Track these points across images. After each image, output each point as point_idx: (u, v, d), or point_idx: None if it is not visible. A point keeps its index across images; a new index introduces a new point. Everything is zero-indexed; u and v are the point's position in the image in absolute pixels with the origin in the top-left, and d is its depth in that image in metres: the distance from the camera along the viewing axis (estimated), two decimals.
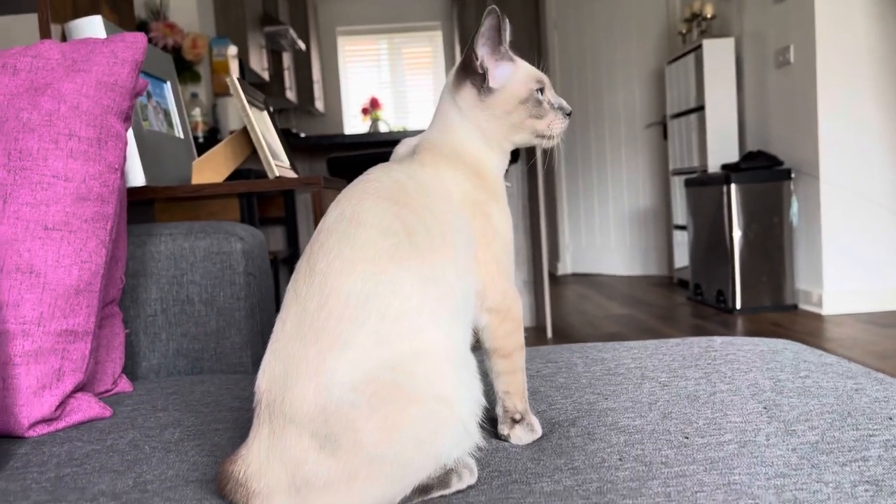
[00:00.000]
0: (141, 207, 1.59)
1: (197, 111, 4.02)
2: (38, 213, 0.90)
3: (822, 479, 0.62)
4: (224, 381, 1.07)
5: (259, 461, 0.65)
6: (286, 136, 5.09)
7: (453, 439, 0.66)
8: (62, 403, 0.91)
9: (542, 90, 0.81)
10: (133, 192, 1.36)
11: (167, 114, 1.61)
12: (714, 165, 4.84)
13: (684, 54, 5.15)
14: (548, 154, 4.41)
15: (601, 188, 6.38)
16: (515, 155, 3.81)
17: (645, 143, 6.08)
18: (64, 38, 1.44)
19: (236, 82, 1.41)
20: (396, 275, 0.66)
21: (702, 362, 1.00)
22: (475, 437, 0.69)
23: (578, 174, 6.52)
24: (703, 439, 0.74)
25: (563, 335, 3.96)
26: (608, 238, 6.36)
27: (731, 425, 0.77)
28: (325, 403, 0.62)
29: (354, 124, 7.18)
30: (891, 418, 0.75)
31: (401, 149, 0.85)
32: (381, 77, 7.37)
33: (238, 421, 0.90)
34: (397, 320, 0.65)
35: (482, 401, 0.70)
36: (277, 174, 1.42)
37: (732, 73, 4.84)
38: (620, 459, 0.71)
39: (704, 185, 4.57)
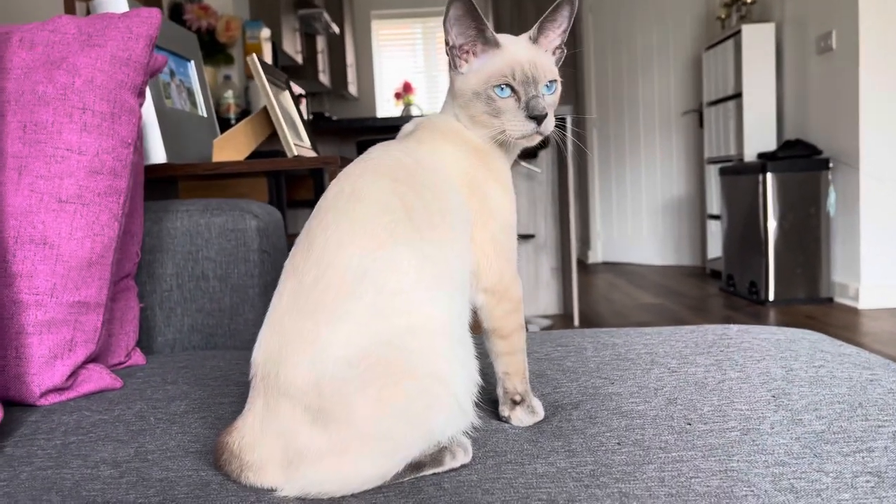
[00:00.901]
0: (163, 185, 1.61)
1: (229, 93, 4.06)
2: (52, 185, 0.91)
3: (823, 468, 0.61)
4: (235, 357, 1.08)
5: (253, 433, 0.65)
6: (319, 120, 5.11)
7: (447, 416, 0.66)
8: (74, 373, 0.93)
9: (508, 86, 0.74)
10: (154, 168, 1.37)
11: (190, 92, 1.62)
12: (750, 154, 4.74)
13: (723, 40, 5.04)
14: (562, 144, 4.35)
15: (634, 176, 6.29)
16: (545, 141, 3.78)
17: (680, 130, 5.98)
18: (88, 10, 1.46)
19: (257, 62, 1.41)
20: (394, 250, 0.65)
21: (714, 350, 0.98)
22: (470, 415, 0.69)
23: (611, 161, 6.44)
24: (705, 426, 0.72)
25: (591, 324, 3.92)
26: (640, 226, 6.28)
27: (736, 413, 0.75)
28: (318, 377, 0.62)
29: (387, 108, 7.18)
30: None
31: (407, 127, 0.84)
32: (415, 62, 7.35)
33: (243, 395, 0.90)
34: (394, 295, 0.64)
35: (478, 379, 0.70)
36: (296, 153, 1.42)
37: (772, 60, 4.72)
38: (619, 443, 0.70)
39: (740, 174, 4.47)
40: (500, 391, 0.78)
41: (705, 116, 5.44)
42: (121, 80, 0.96)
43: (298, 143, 1.48)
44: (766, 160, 4.27)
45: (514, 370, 0.76)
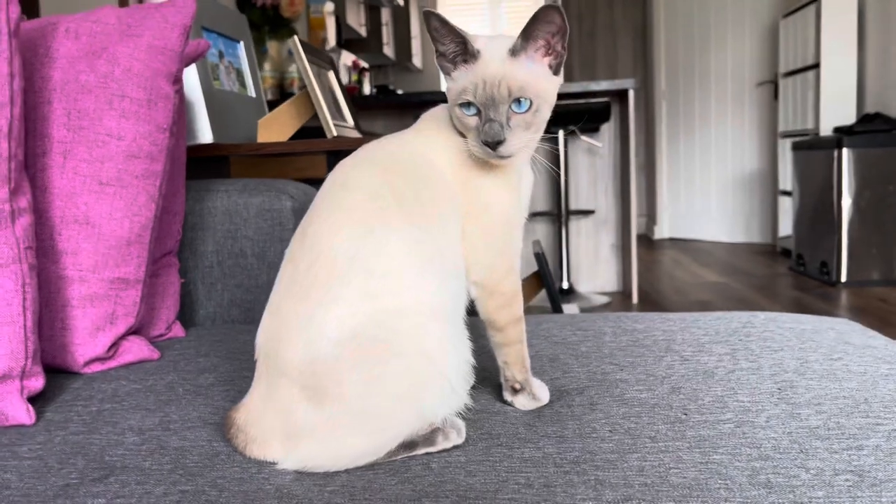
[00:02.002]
0: (215, 163, 1.68)
1: (293, 67, 4.14)
2: (93, 168, 0.97)
3: (806, 465, 0.60)
4: None
5: (257, 410, 0.70)
6: (383, 92, 5.15)
7: (438, 396, 0.68)
8: (115, 345, 1.00)
9: (470, 104, 0.73)
10: (201, 148, 1.43)
11: (239, 73, 1.68)
12: (826, 128, 4.52)
13: (802, 7, 4.79)
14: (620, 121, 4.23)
15: (704, 150, 6.10)
16: (607, 114, 3.71)
17: (753, 102, 5.75)
18: None
19: (298, 44, 1.45)
20: (383, 235, 0.68)
21: (733, 339, 0.97)
22: (462, 396, 0.71)
23: (680, 135, 6.25)
24: (701, 416, 0.73)
25: (650, 301, 3.87)
26: (709, 202, 6.10)
27: (736, 404, 0.75)
28: (313, 358, 0.65)
29: None
30: None
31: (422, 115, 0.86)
32: (481, 32, 7.29)
33: None
34: (383, 278, 0.67)
35: (471, 360, 0.72)
36: (336, 134, 1.46)
37: (854, 29, 4.47)
38: (611, 431, 0.71)
39: (813, 149, 4.28)
40: (501, 378, 0.80)
41: (781, 88, 5.22)
42: (157, 69, 1.01)
43: (339, 124, 1.52)
44: (843, 135, 4.07)
45: (511, 360, 0.78)
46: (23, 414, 0.80)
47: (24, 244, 0.85)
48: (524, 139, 0.74)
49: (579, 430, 0.72)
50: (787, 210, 5.02)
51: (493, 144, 0.71)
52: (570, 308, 3.19)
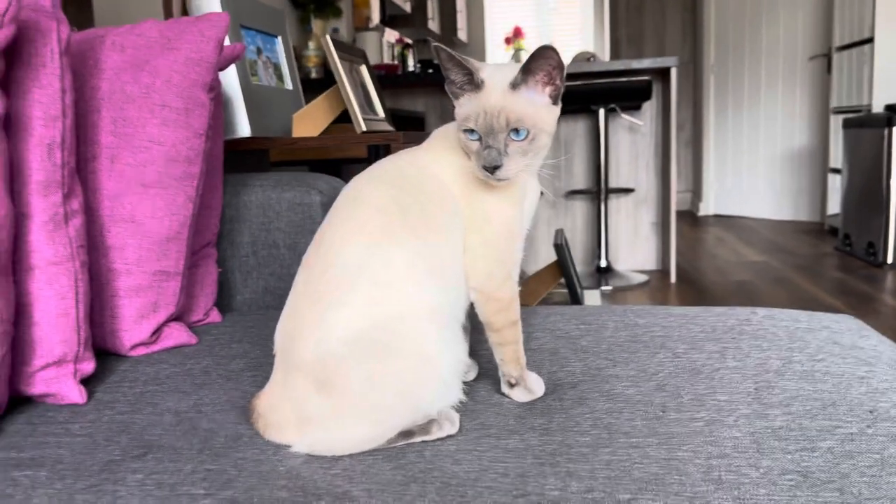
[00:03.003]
0: (255, 155, 1.77)
1: None
2: (137, 172, 1.07)
3: (758, 464, 0.66)
4: None
5: (275, 398, 0.79)
6: (427, 68, 5.19)
7: (433, 392, 0.77)
8: (157, 330, 1.10)
9: (472, 130, 0.79)
10: (238, 142, 1.53)
11: (277, 67, 1.76)
12: (879, 105, 4.40)
13: None
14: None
15: (752, 125, 5.98)
16: (648, 92, 3.69)
17: (805, 77, 5.60)
18: (184, 4, 1.61)
19: (330, 43, 1.52)
20: (388, 248, 0.76)
21: (727, 336, 1.02)
22: (456, 391, 0.79)
23: (728, 110, 6.14)
24: (677, 414, 0.79)
25: (688, 280, 3.87)
26: (756, 179, 6.00)
27: (713, 403, 0.81)
28: (323, 354, 0.74)
29: (497, 54, 7.15)
30: (871, 411, 0.76)
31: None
32: (526, 5, 7.23)
33: None
34: (387, 286, 0.75)
35: (466, 359, 0.80)
36: (365, 128, 1.54)
37: None
38: (592, 425, 0.78)
39: (864, 127, 4.18)
40: (500, 373, 0.87)
41: (834, 62, 5.07)
42: (194, 79, 1.09)
43: (369, 118, 1.59)
44: (893, 113, 3.97)
45: (507, 358, 0.85)
46: (76, 394, 0.91)
47: (77, 243, 0.95)
48: (521, 164, 0.80)
49: (564, 423, 0.79)
50: (836, 188, 4.91)
51: (491, 169, 0.78)
52: (592, 296, 3.22)
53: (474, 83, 0.80)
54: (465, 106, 0.81)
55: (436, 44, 0.80)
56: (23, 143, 0.92)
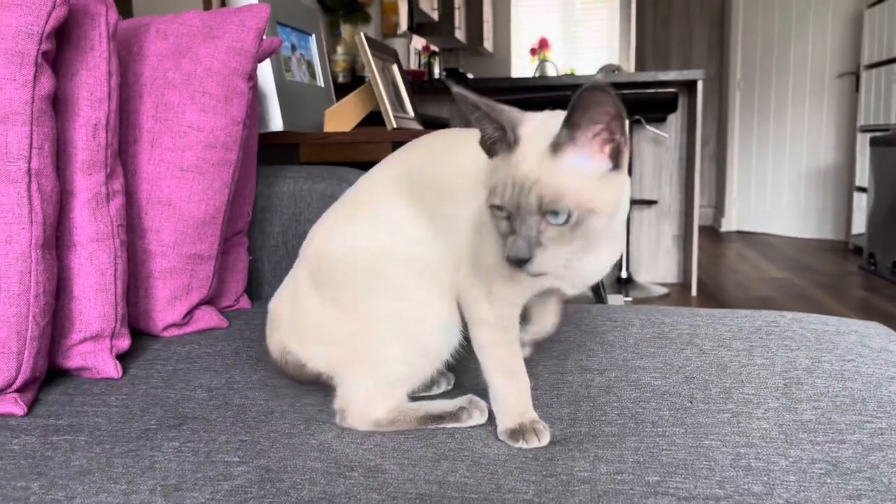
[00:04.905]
0: (286, 149, 1.80)
1: None
2: (176, 156, 1.09)
3: (787, 453, 0.67)
4: None
5: (280, 293, 0.87)
6: (453, 76, 5.23)
7: (434, 327, 0.76)
8: (189, 312, 1.13)
9: (500, 208, 0.63)
10: (271, 136, 1.55)
11: (310, 65, 1.79)
12: None
13: None
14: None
15: (778, 141, 5.94)
16: (674, 105, 3.68)
17: (833, 95, 5.56)
18: None
19: (364, 41, 1.55)
20: (397, 201, 0.79)
21: (754, 336, 1.02)
22: (457, 326, 0.77)
23: (754, 126, 6.11)
24: (705, 405, 0.79)
25: (709, 294, 3.85)
26: (780, 195, 5.95)
27: (740, 396, 0.81)
28: (322, 251, 0.82)
29: (522, 65, 7.18)
30: None
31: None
32: (553, 16, 7.25)
33: None
34: (387, 222, 0.79)
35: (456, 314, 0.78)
36: (395, 125, 1.55)
37: None
38: (619, 415, 0.78)
39: (891, 145, 4.15)
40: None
41: (863, 80, 5.04)
42: (234, 68, 1.12)
43: (400, 115, 1.61)
44: None
45: (486, 368, 0.77)
46: (111, 369, 0.93)
47: (117, 222, 0.98)
48: (561, 256, 0.62)
49: (591, 412, 0.79)
50: (862, 207, 4.87)
51: (516, 262, 0.61)
52: (615, 299, 3.22)
53: (506, 140, 0.63)
54: (495, 172, 0.64)
55: (456, 89, 0.64)
56: (69, 123, 0.94)
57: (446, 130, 0.85)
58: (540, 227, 0.61)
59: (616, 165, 0.62)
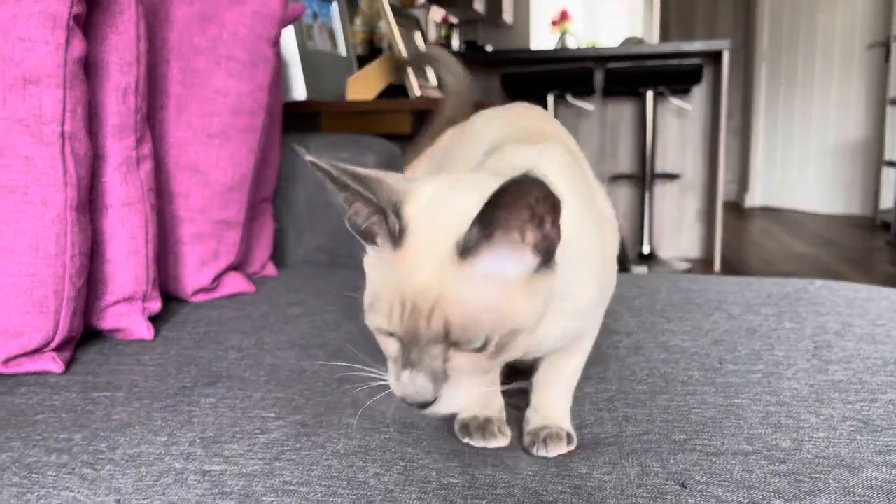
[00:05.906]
0: (307, 118, 1.80)
1: (383, 23, 4.22)
2: (203, 122, 1.10)
3: (818, 411, 0.66)
4: (349, 276, 1.25)
5: None
6: (471, 49, 5.17)
7: None
8: (217, 277, 1.14)
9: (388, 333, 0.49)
10: (294, 105, 1.56)
11: (332, 33, 1.79)
12: None
13: None
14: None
15: (804, 115, 5.84)
16: (698, 76, 3.63)
17: (862, 66, 5.44)
18: None
19: (387, 7, 1.54)
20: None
21: (784, 302, 1.01)
22: None
23: (780, 99, 6.00)
24: (735, 366, 0.79)
25: (732, 270, 3.82)
26: (806, 170, 5.86)
27: (770, 358, 0.81)
28: None
29: (542, 37, 7.09)
30: None
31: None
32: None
33: (349, 306, 1.07)
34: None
35: None
36: (418, 94, 1.55)
37: None
38: (648, 374, 0.79)
39: None
40: None
41: (893, 51, 4.92)
42: (259, 33, 1.12)
43: (423, 84, 1.60)
44: None
45: None
46: (144, 330, 0.95)
47: (147, 186, 0.99)
48: (476, 388, 0.48)
49: (619, 371, 0.80)
50: (890, 181, 4.79)
51: (417, 406, 0.47)
52: (639, 270, 3.20)
53: (388, 226, 0.46)
54: (376, 279, 0.47)
55: (309, 157, 0.50)
56: (99, 88, 0.95)
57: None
58: (446, 356, 0.46)
59: (545, 260, 0.47)
